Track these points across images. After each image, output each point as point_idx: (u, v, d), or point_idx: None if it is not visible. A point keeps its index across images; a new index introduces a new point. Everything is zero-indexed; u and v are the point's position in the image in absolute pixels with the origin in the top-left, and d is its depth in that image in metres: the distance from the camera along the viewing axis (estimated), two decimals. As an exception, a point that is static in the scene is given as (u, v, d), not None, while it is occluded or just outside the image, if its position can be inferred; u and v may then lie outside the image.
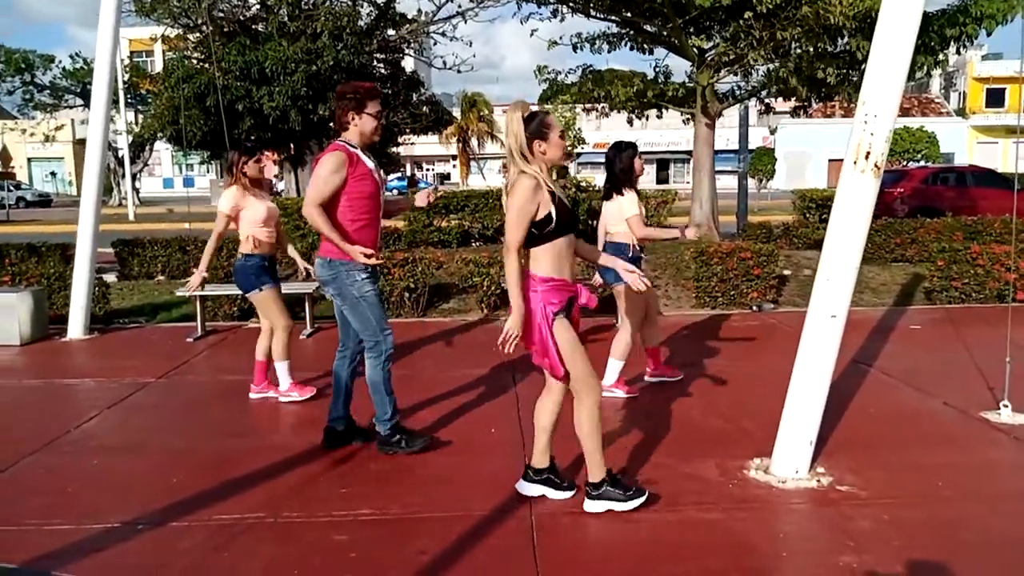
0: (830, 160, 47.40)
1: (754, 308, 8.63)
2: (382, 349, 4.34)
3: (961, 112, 49.97)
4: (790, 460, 3.99)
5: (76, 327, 7.82)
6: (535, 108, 3.58)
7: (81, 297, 7.81)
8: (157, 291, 10.38)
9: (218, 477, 4.12)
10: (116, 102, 28.99)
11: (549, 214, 3.37)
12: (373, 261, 4.12)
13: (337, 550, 3.33)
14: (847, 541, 3.32)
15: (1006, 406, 4.87)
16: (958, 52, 11.06)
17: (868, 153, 3.76)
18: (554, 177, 3.59)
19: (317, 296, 8.33)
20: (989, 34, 9.95)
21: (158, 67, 35.87)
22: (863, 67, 10.33)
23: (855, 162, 3.80)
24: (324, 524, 3.56)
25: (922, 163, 34.15)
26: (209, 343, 7.49)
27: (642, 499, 3.58)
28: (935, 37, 10.10)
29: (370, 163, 4.29)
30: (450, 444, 4.59)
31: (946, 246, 9.26)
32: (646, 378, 5.78)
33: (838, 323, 3.92)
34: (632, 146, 5.38)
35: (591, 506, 3.58)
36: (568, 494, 3.74)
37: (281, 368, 5.52)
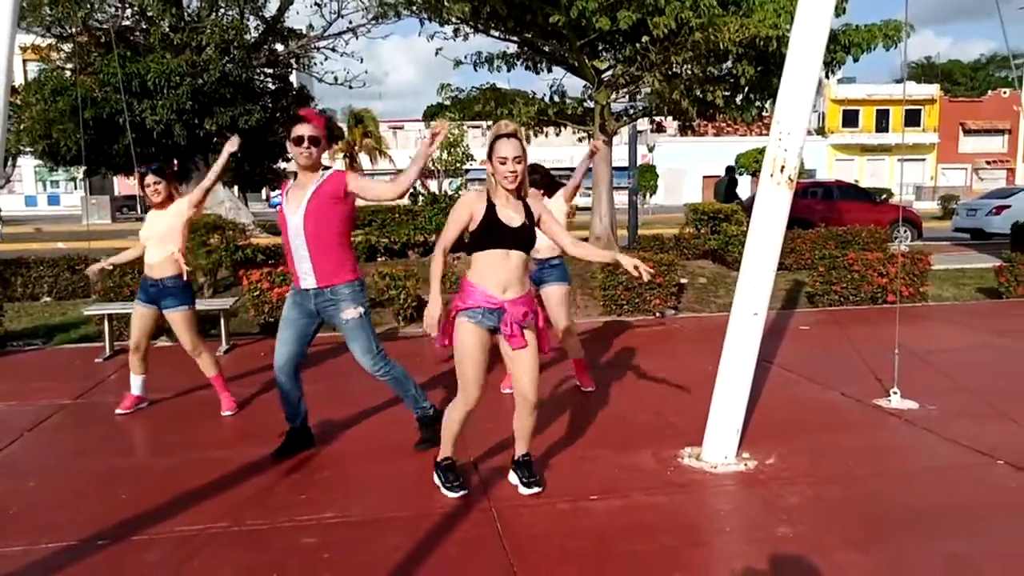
0: (704, 176, 49.77)
1: (657, 314, 9.12)
2: None
3: (821, 131, 53.58)
4: (720, 447, 4.35)
5: (-31, 351, 7.41)
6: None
7: (-25, 319, 7.42)
8: (47, 312, 9.92)
9: (168, 491, 4.09)
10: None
11: (480, 225, 3.62)
12: None
13: (309, 552, 3.42)
14: (781, 515, 3.69)
15: (895, 393, 5.43)
16: (827, 76, 12.03)
17: (783, 167, 4.18)
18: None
19: (232, 312, 8.22)
20: (856, 60, 10.89)
21: (19, 78, 33.84)
22: (746, 90, 11.15)
23: (772, 175, 4.21)
24: (290, 529, 3.64)
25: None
26: (120, 363, 7.25)
27: (454, 493, 3.92)
28: (808, 62, 10.96)
29: (290, 192, 4.36)
30: (396, 449, 4.72)
31: (826, 254, 10.07)
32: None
33: (759, 320, 4.32)
34: None
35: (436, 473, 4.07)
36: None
37: (132, 379, 5.64)
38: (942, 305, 9.84)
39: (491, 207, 3.63)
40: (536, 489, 3.94)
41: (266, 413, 5.50)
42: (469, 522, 3.66)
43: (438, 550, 3.40)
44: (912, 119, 53.59)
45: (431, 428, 4.57)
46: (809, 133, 53.93)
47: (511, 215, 3.64)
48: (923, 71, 64.47)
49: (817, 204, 19.08)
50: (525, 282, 3.72)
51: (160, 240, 5.34)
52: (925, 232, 20.04)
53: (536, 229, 3.75)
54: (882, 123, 53.56)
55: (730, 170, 16.94)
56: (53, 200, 50.52)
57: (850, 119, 53.44)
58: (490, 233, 3.61)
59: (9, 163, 35.27)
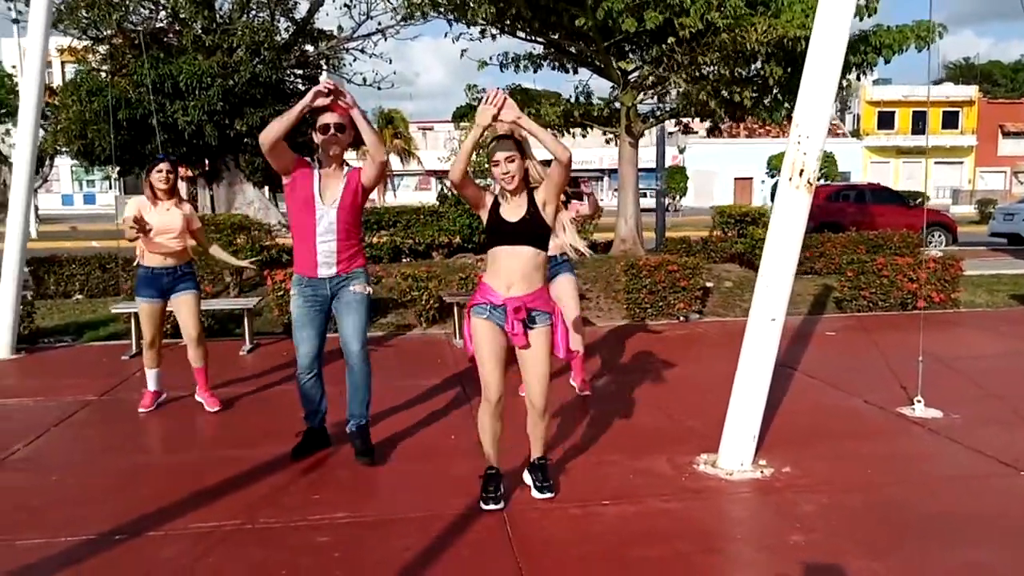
0: (736, 178, 49.36)
1: (681, 318, 9.05)
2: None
3: (855, 133, 52.83)
4: (736, 453, 4.31)
5: (2, 347, 7.56)
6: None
7: (8, 316, 7.57)
8: (78, 309, 10.09)
9: (186, 488, 4.14)
10: (12, 115, 27.64)
11: (487, 222, 3.73)
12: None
13: (321, 551, 3.44)
14: (795, 523, 3.65)
15: (919, 401, 5.34)
16: (858, 78, 11.88)
17: (802, 170, 4.13)
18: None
19: (256, 311, 8.31)
20: (887, 62, 10.75)
21: (57, 79, 34.54)
22: (774, 91, 11.05)
23: (790, 179, 4.16)
24: (304, 528, 3.67)
25: (823, 181, 35.99)
26: (146, 360, 7.37)
27: (485, 505, 3.78)
28: (839, 64, 10.82)
29: (315, 180, 4.34)
30: (412, 450, 4.76)
31: (855, 258, 9.93)
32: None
33: (777, 326, 4.27)
34: None
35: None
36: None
37: (148, 374, 5.72)
38: (974, 311, 9.66)
39: (496, 205, 3.70)
40: (548, 495, 3.92)
41: (287, 412, 5.55)
42: (480, 524, 3.67)
43: (448, 551, 3.41)
44: (950, 121, 52.63)
45: (368, 439, 4.60)
46: (844, 135, 52.78)
47: (511, 210, 3.68)
48: (961, 72, 63.25)
49: (849, 207, 18.85)
50: (534, 280, 3.69)
51: (180, 234, 5.53)
52: (961, 237, 19.71)
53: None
54: (918, 125, 52.66)
55: None
56: (89, 199, 51.41)
57: (886, 121, 52.59)
58: (492, 229, 3.70)
59: (47, 163, 35.99)
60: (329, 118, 4.27)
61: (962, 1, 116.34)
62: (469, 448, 4.64)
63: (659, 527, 3.64)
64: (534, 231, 3.66)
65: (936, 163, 51.60)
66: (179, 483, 4.23)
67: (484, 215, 3.74)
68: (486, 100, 3.55)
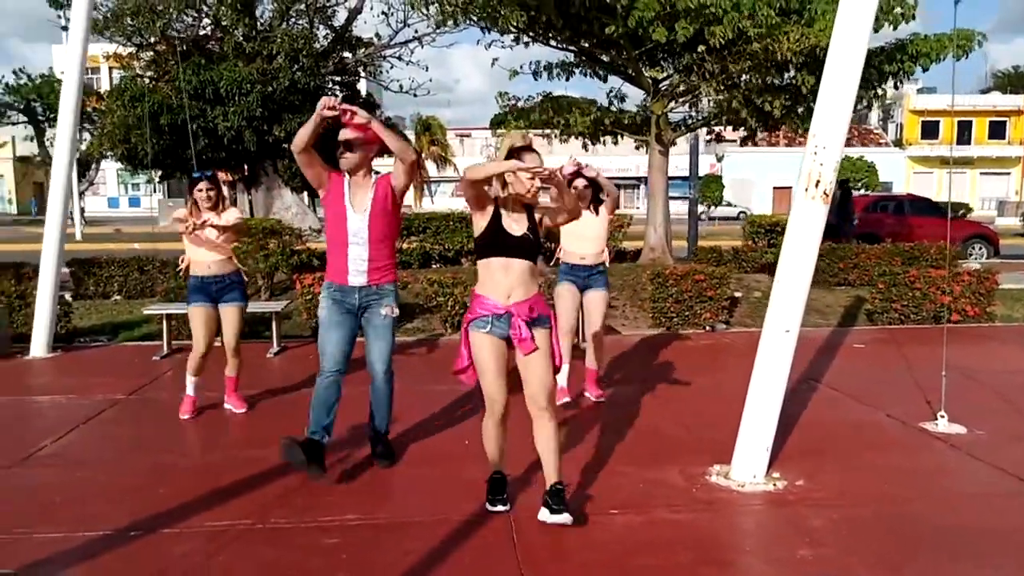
0: (775, 187, 48.78)
1: (708, 328, 8.99)
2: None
3: (898, 143, 51.92)
4: (748, 466, 4.28)
5: (39, 345, 7.79)
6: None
7: (45, 315, 7.79)
8: (115, 310, 10.34)
9: (203, 487, 4.23)
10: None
11: (484, 232, 3.67)
12: None
13: (329, 552, 3.50)
14: (803, 537, 3.62)
15: (943, 416, 5.25)
16: (896, 87, 11.72)
17: (818, 181, 4.11)
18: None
19: (285, 314, 8.44)
20: (925, 70, 10.59)
21: (104, 85, 35.43)
22: (807, 100, 10.93)
23: (806, 189, 4.14)
24: (313, 529, 3.73)
25: (862, 191, 35.45)
26: (176, 361, 7.52)
27: (492, 507, 3.88)
28: (874, 72, 10.69)
29: (346, 189, 4.42)
30: (427, 455, 4.80)
31: (886, 270, 9.79)
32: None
33: (791, 337, 4.24)
34: None
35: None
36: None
37: (188, 380, 5.70)
38: (1010, 326, 9.45)
39: (497, 215, 3.67)
40: (558, 517, 3.56)
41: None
42: (487, 529, 3.70)
43: (452, 556, 3.45)
44: (996, 131, 51.51)
45: (388, 444, 4.73)
46: (886, 145, 51.70)
47: (514, 225, 3.68)
48: (1010, 81, 61.83)
49: (887, 218, 18.53)
50: (531, 287, 3.70)
51: (225, 243, 5.64)
52: (1004, 249, 19.27)
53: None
54: (963, 135, 51.62)
55: (843, 183, 15.62)
56: (134, 202, 52.66)
57: (929, 130, 51.62)
58: (493, 240, 3.65)
59: (93, 166, 36.91)
60: (343, 135, 4.36)
61: (1015, 8, 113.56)
62: (481, 453, 4.64)
63: (666, 537, 3.64)
64: (532, 247, 3.69)
65: (982, 174, 50.52)
66: (197, 482, 4.32)
67: (482, 222, 3.67)
68: (531, 173, 3.51)
